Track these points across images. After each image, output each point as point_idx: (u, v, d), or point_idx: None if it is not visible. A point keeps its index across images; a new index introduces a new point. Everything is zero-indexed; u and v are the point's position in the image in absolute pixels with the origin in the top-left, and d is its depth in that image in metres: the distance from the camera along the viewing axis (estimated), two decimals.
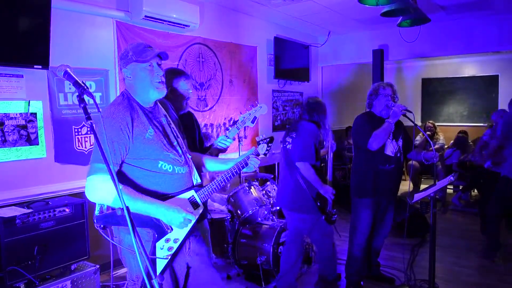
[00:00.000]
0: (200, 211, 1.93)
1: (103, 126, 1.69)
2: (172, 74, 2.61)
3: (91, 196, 1.74)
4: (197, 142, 2.83)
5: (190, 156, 2.05)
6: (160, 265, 1.80)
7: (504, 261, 4.00)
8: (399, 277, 3.65)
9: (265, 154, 2.15)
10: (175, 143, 1.95)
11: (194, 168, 2.05)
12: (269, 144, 2.14)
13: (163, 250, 1.81)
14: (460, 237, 4.84)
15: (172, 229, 1.81)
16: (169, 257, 1.82)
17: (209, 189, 1.97)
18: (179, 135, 2.02)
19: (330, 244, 3.30)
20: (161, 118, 1.96)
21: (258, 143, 2.14)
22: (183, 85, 2.63)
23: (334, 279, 3.37)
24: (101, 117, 1.72)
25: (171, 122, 2.02)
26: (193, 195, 1.92)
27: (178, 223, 1.75)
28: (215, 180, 2.02)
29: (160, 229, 1.81)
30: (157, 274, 1.76)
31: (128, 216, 1.23)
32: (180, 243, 1.85)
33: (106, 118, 1.76)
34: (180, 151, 1.95)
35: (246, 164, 2.12)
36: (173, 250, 1.83)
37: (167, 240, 1.81)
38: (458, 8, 5.34)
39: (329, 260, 3.31)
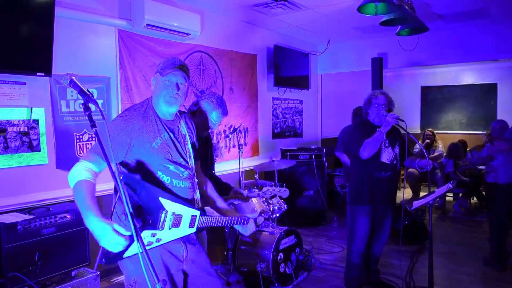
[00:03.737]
0: (189, 232, 1.94)
1: (112, 124, 1.80)
2: (214, 100, 2.68)
3: (69, 178, 1.73)
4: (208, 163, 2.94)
5: (194, 174, 2.08)
6: (132, 250, 1.69)
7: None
8: (398, 284, 3.65)
9: (258, 226, 2.29)
10: (180, 159, 1.99)
11: (197, 187, 2.09)
12: (266, 221, 2.25)
13: (144, 240, 1.75)
14: (460, 244, 4.84)
15: (163, 228, 1.82)
16: (142, 253, 1.51)
17: (210, 220, 2.03)
18: (187, 154, 2.04)
19: None
20: (175, 132, 2.01)
21: (260, 214, 2.27)
22: (215, 116, 2.70)
23: None
24: (115, 117, 1.82)
25: (186, 140, 2.06)
26: (196, 216, 1.96)
27: (107, 244, 1.52)
28: (218, 217, 2.10)
29: (154, 222, 1.81)
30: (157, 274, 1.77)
31: (132, 222, 1.25)
32: (160, 245, 1.84)
33: (118, 119, 1.87)
34: (182, 166, 1.99)
35: (245, 223, 2.22)
36: (151, 247, 1.80)
37: (153, 235, 1.80)
38: (456, 17, 5.40)
39: None
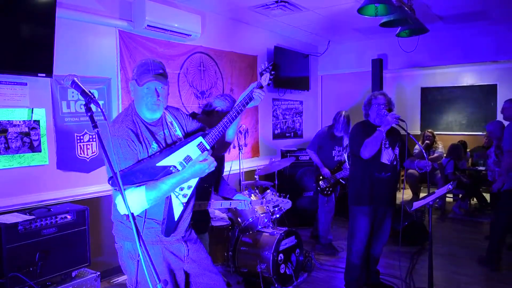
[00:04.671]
0: (210, 153, 1.97)
1: (110, 142, 1.76)
2: (228, 99, 2.71)
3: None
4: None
5: None
6: (177, 211, 1.90)
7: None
8: (398, 285, 3.65)
9: (268, 84, 2.13)
10: (173, 148, 1.98)
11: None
12: (272, 72, 2.09)
13: (179, 197, 1.90)
14: (460, 245, 4.85)
15: None
16: (185, 204, 1.91)
17: (215, 132, 1.98)
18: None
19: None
20: (164, 130, 1.99)
21: (261, 74, 2.09)
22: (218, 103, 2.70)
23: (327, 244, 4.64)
24: (108, 134, 1.76)
25: (173, 126, 2.04)
26: (201, 141, 1.95)
27: (207, 169, 1.86)
28: (221, 122, 2.00)
29: None
30: (161, 279, 1.79)
31: (133, 223, 1.26)
32: (193, 189, 1.94)
33: (113, 137, 1.82)
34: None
35: (251, 99, 2.10)
36: (188, 196, 1.92)
37: (181, 189, 1.89)
38: (456, 18, 5.41)
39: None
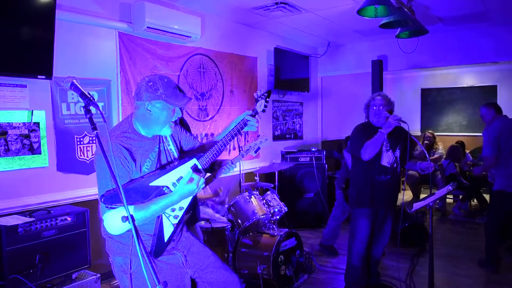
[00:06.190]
0: (204, 175, 1.97)
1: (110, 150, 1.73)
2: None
3: (113, 232, 1.80)
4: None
5: None
6: (168, 232, 1.90)
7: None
8: (398, 287, 3.65)
9: (263, 111, 2.15)
10: (168, 169, 1.98)
11: None
12: (267, 99, 2.12)
13: (170, 219, 1.89)
14: (460, 246, 4.84)
15: None
16: (175, 226, 1.91)
17: (210, 155, 1.99)
18: (171, 156, 2.04)
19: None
20: (160, 144, 1.98)
21: (257, 100, 2.11)
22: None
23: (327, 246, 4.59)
24: (109, 141, 1.74)
25: (167, 140, 2.03)
26: (195, 163, 1.95)
27: (196, 190, 1.85)
28: (215, 145, 2.01)
29: None
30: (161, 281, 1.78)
31: (132, 226, 1.26)
32: (185, 210, 1.93)
33: (106, 153, 1.75)
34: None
35: (245, 124, 2.10)
36: (179, 218, 1.91)
37: (173, 210, 1.89)
38: (455, 19, 5.42)
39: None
